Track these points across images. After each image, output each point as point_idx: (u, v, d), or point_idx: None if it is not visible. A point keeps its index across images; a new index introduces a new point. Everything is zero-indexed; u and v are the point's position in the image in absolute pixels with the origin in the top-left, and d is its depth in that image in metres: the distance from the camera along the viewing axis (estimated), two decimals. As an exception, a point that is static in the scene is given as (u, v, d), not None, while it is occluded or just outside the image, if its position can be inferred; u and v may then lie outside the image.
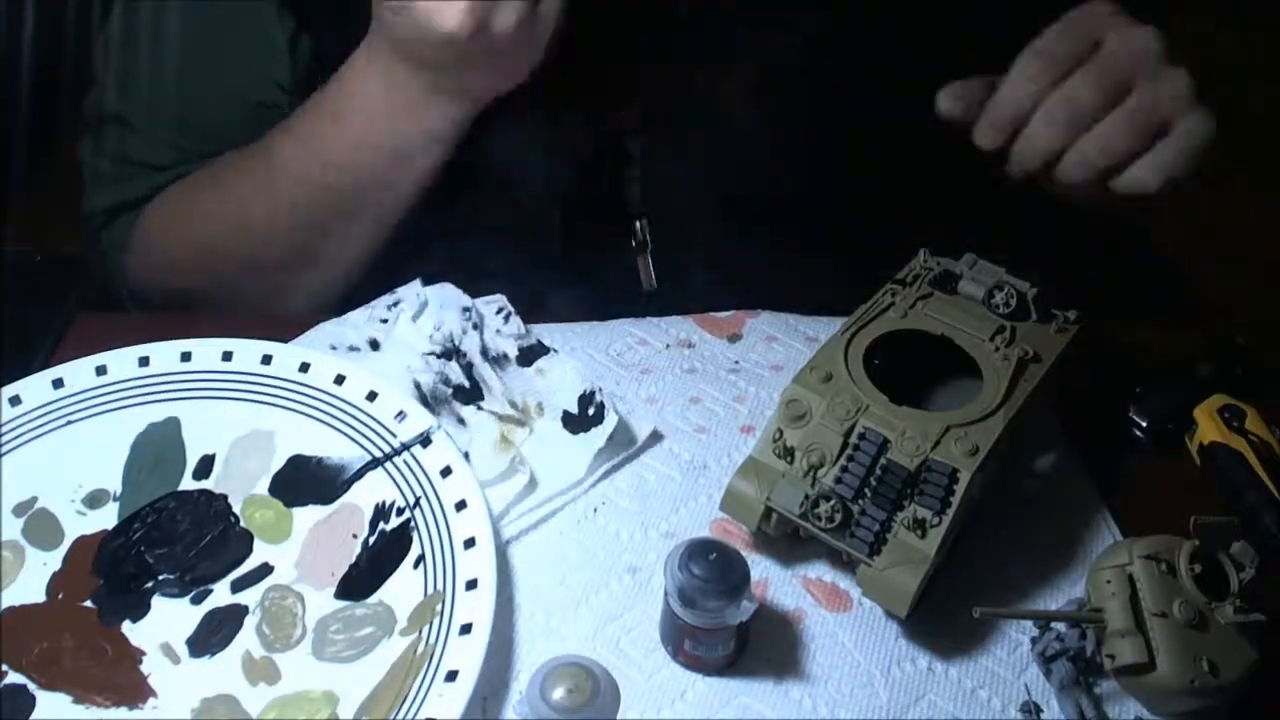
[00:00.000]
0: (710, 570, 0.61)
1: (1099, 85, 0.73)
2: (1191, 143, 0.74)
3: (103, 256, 0.93)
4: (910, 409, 0.68)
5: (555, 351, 0.80)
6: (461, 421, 0.76)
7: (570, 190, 0.85)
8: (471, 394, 0.77)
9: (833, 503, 0.65)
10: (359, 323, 0.81)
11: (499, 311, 0.82)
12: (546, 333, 0.83)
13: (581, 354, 0.82)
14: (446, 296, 0.83)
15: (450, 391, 0.77)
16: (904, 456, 0.66)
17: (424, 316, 0.81)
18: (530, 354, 0.80)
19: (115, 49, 0.89)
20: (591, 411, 0.76)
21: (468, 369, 0.79)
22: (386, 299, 0.83)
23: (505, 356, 0.80)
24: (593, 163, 0.86)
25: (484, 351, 0.80)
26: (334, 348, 0.80)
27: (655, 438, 0.76)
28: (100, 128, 0.91)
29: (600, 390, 0.77)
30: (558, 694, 0.55)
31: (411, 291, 0.83)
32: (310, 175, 0.82)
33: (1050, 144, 0.74)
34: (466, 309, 0.82)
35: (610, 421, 0.75)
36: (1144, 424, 0.80)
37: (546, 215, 0.86)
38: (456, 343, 0.80)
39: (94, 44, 0.90)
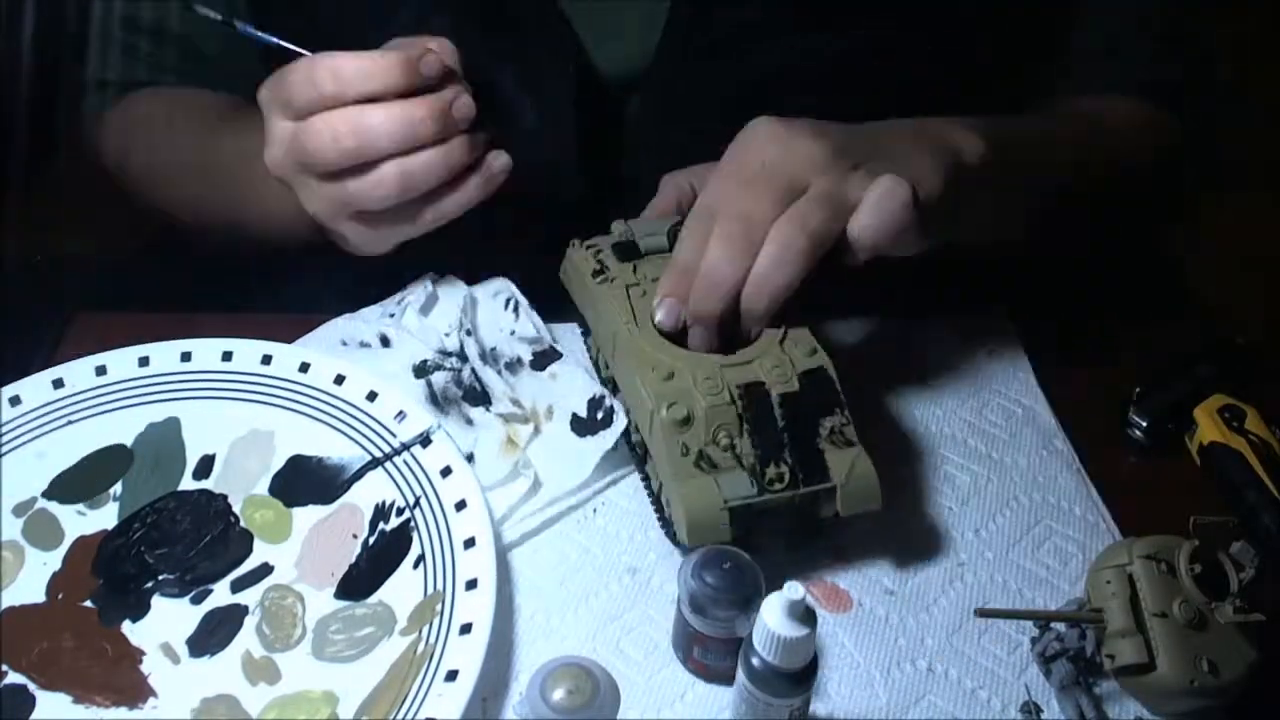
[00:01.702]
0: (723, 580, 0.61)
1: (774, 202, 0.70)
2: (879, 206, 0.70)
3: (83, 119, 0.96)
4: (734, 353, 0.69)
5: (565, 356, 0.80)
6: (470, 422, 0.76)
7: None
8: (482, 396, 0.77)
9: (773, 464, 0.66)
10: (371, 318, 0.81)
11: (507, 304, 0.82)
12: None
13: (580, 353, 0.81)
14: (455, 291, 0.83)
15: (461, 393, 0.77)
16: (782, 385, 0.67)
17: (434, 312, 0.81)
18: (544, 358, 0.80)
19: None
20: (600, 415, 0.76)
21: (473, 372, 0.79)
22: (397, 296, 0.83)
23: (519, 361, 0.80)
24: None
25: (483, 356, 0.79)
26: (344, 343, 0.80)
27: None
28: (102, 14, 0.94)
29: (609, 395, 0.76)
30: (558, 694, 0.55)
31: (420, 286, 0.83)
32: (219, 185, 0.86)
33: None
34: (464, 310, 0.82)
35: (618, 425, 0.75)
36: (1144, 424, 0.80)
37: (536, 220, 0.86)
38: (463, 345, 0.80)
39: None
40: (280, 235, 0.83)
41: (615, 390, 0.76)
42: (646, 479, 0.72)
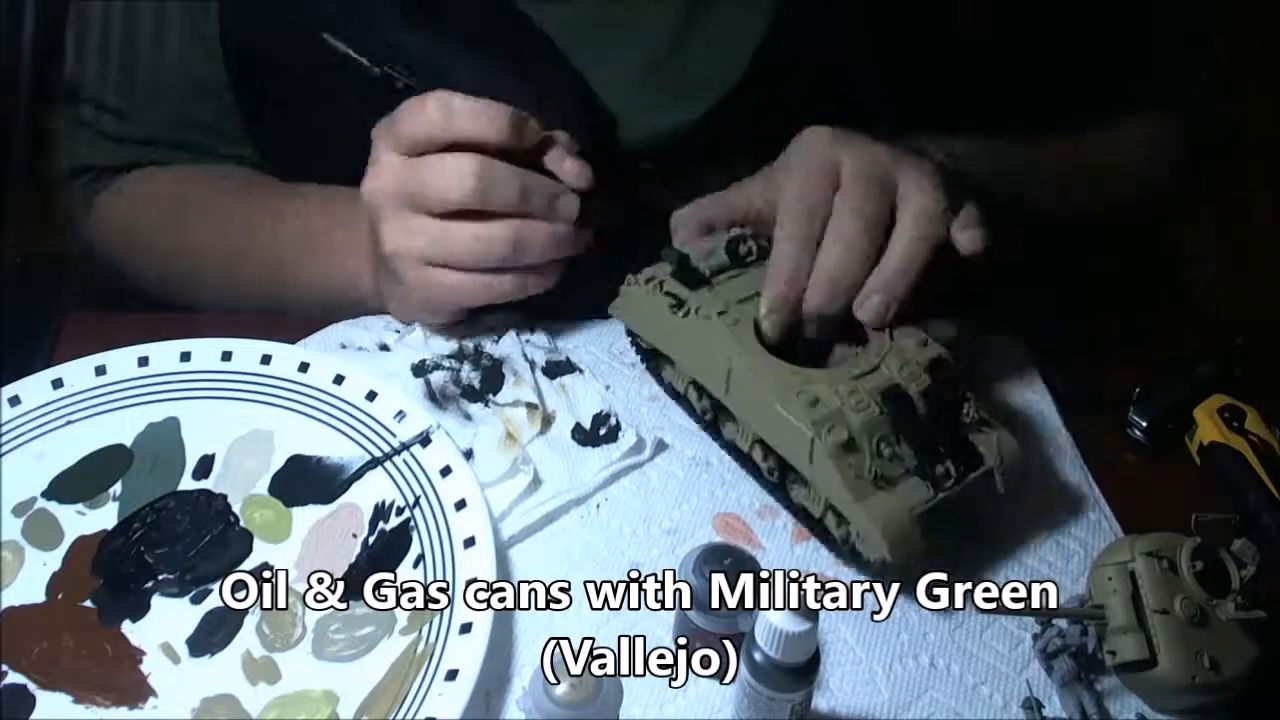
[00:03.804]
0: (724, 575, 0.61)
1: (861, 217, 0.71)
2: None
3: (69, 206, 0.95)
4: (857, 361, 0.70)
5: (582, 372, 0.80)
6: (468, 418, 0.76)
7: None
8: (481, 393, 0.77)
9: (936, 462, 0.67)
10: (373, 326, 0.81)
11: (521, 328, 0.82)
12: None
13: (584, 352, 0.82)
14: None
15: (460, 391, 0.77)
16: (917, 383, 0.68)
17: (438, 336, 0.81)
18: (556, 369, 0.80)
19: (74, 20, 0.90)
20: (603, 431, 0.76)
21: (495, 366, 0.78)
22: None
23: (532, 365, 0.80)
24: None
25: (494, 360, 0.80)
26: (344, 346, 0.80)
27: (661, 446, 0.76)
28: (66, 95, 0.93)
29: (616, 415, 0.77)
30: (560, 691, 0.55)
31: None
32: (253, 271, 0.87)
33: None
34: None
35: (626, 441, 0.75)
36: (1144, 424, 0.80)
37: None
38: (485, 348, 0.80)
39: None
40: (318, 307, 0.83)
41: (716, 425, 0.75)
42: (790, 503, 0.72)
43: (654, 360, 0.79)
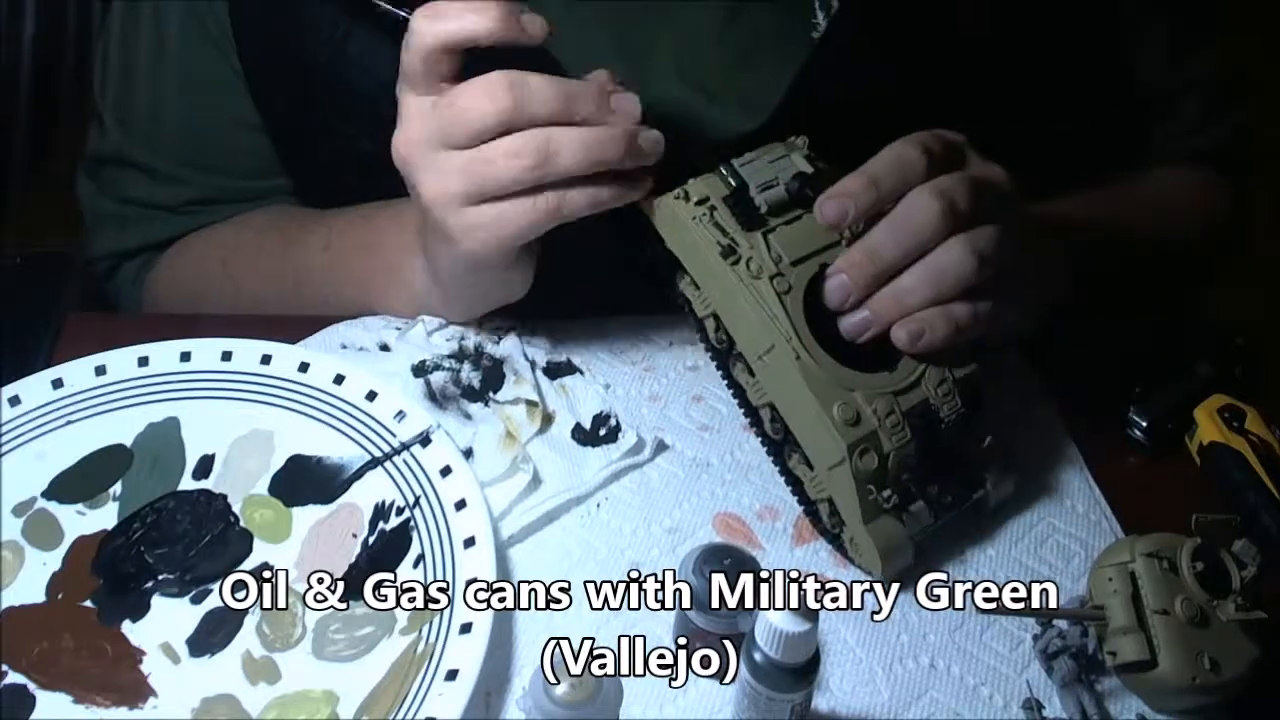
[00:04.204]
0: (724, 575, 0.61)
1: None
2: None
3: (115, 293, 0.94)
4: (890, 371, 0.68)
5: (582, 373, 0.80)
6: (468, 417, 0.76)
7: None
8: (481, 393, 0.77)
9: (944, 488, 0.69)
10: (374, 326, 0.81)
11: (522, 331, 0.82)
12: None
13: (584, 352, 0.81)
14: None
15: (460, 391, 0.77)
16: (951, 406, 0.68)
17: (439, 332, 0.81)
18: (557, 369, 0.80)
19: (113, 86, 0.89)
20: (603, 432, 0.76)
21: (495, 366, 0.78)
22: None
23: (533, 365, 0.80)
24: None
25: (494, 359, 0.80)
26: (344, 346, 0.80)
27: (661, 446, 0.76)
28: (102, 169, 0.92)
29: (617, 416, 0.77)
30: (560, 691, 0.55)
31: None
32: (309, 292, 0.85)
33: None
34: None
35: (626, 441, 0.75)
36: (1144, 424, 0.80)
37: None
38: (485, 348, 0.80)
39: (90, 85, 0.91)
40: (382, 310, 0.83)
41: (726, 361, 0.71)
42: (785, 468, 0.71)
43: (674, 269, 0.72)
